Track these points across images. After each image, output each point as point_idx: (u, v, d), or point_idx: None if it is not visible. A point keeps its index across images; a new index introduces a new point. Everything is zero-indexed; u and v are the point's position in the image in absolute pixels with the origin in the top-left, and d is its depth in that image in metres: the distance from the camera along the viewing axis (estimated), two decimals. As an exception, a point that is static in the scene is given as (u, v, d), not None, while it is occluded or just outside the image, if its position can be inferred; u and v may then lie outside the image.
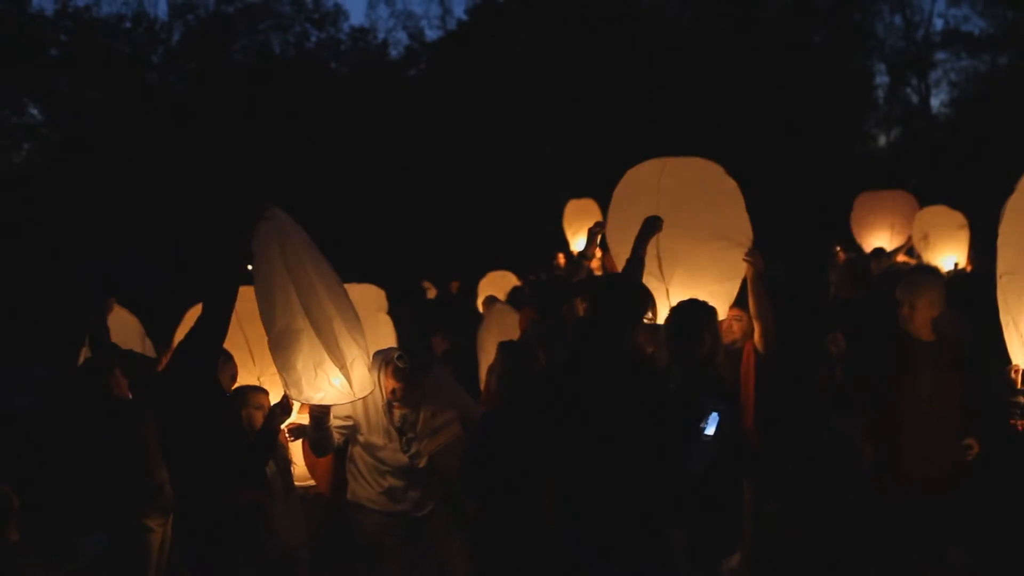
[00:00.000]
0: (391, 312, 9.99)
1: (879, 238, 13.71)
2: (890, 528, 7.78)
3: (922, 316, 7.86)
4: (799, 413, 9.40)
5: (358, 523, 8.02)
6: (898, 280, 9.59)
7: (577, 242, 15.86)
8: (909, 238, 13.35)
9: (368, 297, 9.52)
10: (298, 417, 7.84)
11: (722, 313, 8.00)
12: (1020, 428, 7.04)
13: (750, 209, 8.23)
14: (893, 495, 7.70)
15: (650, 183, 8.32)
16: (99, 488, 8.91)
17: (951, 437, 7.49)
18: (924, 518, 7.50)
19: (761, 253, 8.13)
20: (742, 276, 8.05)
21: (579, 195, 16.35)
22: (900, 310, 7.92)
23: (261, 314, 7.03)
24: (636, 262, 7.63)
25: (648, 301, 6.92)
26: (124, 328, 9.79)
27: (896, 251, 13.20)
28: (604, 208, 15.63)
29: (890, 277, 10.68)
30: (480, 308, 14.42)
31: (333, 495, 8.49)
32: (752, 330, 8.23)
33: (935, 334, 7.92)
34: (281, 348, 6.93)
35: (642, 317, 6.82)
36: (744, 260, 7.97)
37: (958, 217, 12.17)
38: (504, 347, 8.24)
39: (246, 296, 6.97)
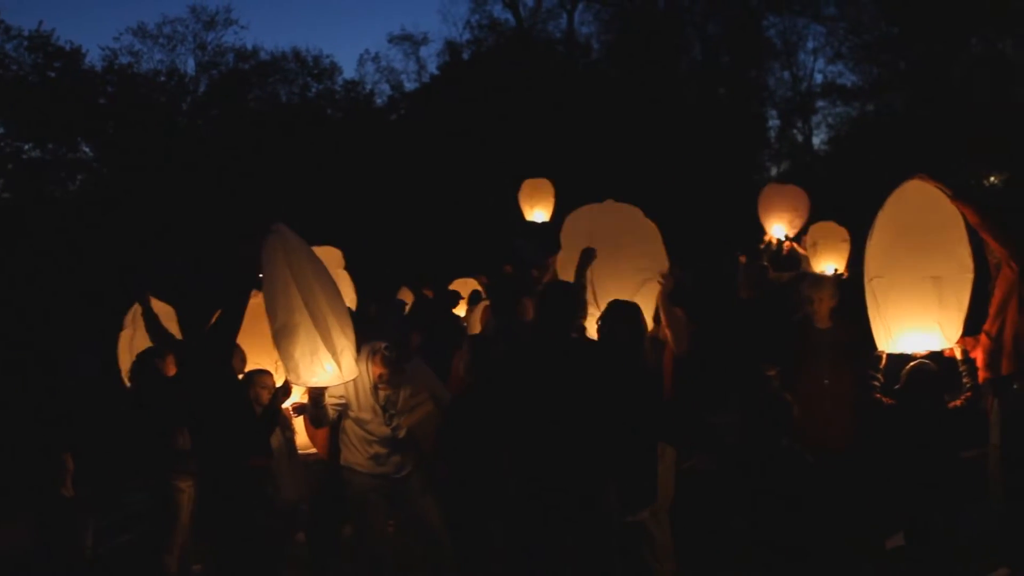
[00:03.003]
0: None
1: (780, 221, 13.72)
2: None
3: (823, 308, 8.08)
4: (704, 394, 9.42)
5: (349, 483, 8.06)
6: (792, 286, 9.64)
7: (532, 214, 15.74)
8: (803, 227, 13.46)
9: (329, 257, 9.57)
10: (301, 397, 8.09)
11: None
12: (885, 402, 7.07)
13: (668, 228, 8.22)
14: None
15: (583, 227, 8.30)
16: (140, 453, 8.86)
17: (846, 408, 7.64)
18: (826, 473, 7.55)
19: (675, 262, 8.15)
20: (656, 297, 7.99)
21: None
22: (807, 305, 8.17)
23: (267, 310, 7.05)
24: (579, 286, 7.64)
25: (581, 303, 7.21)
26: (160, 314, 9.71)
27: (792, 262, 13.10)
28: (557, 187, 15.56)
29: (786, 285, 10.66)
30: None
31: (330, 459, 8.55)
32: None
33: (831, 322, 8.11)
34: (282, 339, 6.98)
35: (575, 316, 6.92)
36: (657, 283, 7.93)
37: (842, 232, 12.17)
38: (469, 340, 8.31)
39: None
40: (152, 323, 9.43)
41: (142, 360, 9.07)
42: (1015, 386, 7.14)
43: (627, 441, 6.65)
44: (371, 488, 7.99)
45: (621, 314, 7.22)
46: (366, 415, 7.94)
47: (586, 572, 6.48)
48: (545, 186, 15.89)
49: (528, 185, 16.01)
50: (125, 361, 10.11)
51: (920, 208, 7.16)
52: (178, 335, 9.95)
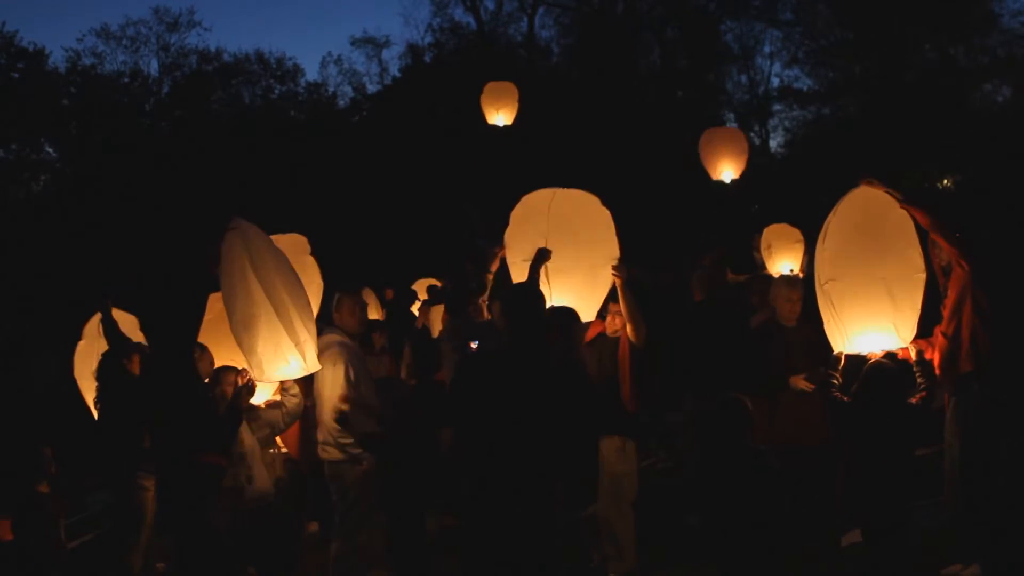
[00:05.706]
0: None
1: (724, 165, 14.40)
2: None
3: (783, 308, 8.34)
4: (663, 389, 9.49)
5: (342, 477, 7.97)
6: (748, 287, 9.72)
7: (495, 117, 15.60)
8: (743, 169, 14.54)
9: (295, 244, 9.56)
10: (274, 394, 8.13)
11: (590, 314, 8.20)
12: (843, 400, 7.12)
13: (627, 228, 8.26)
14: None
15: (541, 208, 8.29)
16: (106, 452, 8.83)
17: (819, 404, 7.72)
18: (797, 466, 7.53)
19: (633, 261, 8.17)
20: (609, 285, 8.08)
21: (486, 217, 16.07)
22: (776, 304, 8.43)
23: (225, 303, 7.08)
24: (531, 284, 7.65)
25: (542, 304, 7.07)
26: (123, 324, 9.58)
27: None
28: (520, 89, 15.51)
29: (742, 286, 10.73)
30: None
31: (300, 456, 8.59)
32: (629, 323, 8.24)
33: (796, 321, 8.31)
34: (244, 333, 6.99)
35: (539, 315, 6.89)
36: (611, 274, 7.97)
37: (796, 233, 12.25)
38: (410, 340, 8.56)
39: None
40: (111, 330, 9.29)
41: (108, 359, 9.01)
42: (975, 384, 7.19)
43: (574, 443, 6.69)
44: (365, 481, 7.91)
45: (556, 322, 7.26)
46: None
47: (533, 571, 6.51)
48: (509, 89, 15.62)
49: (491, 87, 15.71)
50: (82, 371, 9.96)
51: (870, 212, 7.21)
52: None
